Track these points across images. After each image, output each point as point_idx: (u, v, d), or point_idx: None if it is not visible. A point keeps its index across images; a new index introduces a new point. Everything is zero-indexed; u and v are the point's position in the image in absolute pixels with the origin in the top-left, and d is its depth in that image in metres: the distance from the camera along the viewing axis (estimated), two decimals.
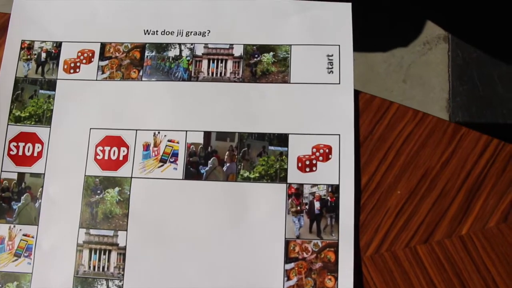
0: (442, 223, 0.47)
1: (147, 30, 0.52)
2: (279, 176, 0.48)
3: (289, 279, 0.47)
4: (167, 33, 0.52)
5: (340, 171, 0.48)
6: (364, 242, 0.47)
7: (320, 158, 0.48)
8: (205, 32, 0.52)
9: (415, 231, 0.47)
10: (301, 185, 0.48)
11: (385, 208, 0.48)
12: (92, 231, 0.49)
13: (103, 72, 0.52)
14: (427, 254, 0.47)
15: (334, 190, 0.47)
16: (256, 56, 0.51)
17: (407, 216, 0.48)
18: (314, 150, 0.48)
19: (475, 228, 0.47)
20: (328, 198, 0.47)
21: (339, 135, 0.48)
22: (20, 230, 0.50)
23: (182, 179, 0.49)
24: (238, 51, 0.52)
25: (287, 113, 0.49)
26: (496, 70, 1.05)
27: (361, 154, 0.49)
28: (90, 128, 0.51)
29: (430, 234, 0.47)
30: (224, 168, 0.49)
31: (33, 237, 0.50)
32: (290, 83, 0.50)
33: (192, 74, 0.51)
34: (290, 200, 0.48)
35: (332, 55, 0.51)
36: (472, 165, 0.48)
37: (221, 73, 0.51)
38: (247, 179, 0.48)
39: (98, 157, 0.50)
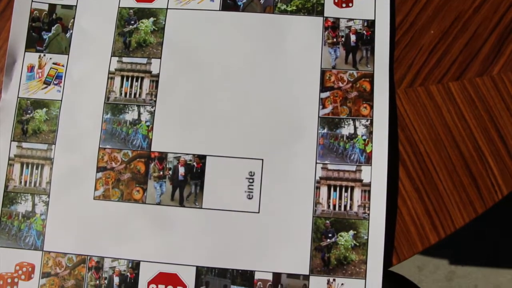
0: (474, 62, 0.46)
1: None
2: (315, 10, 0.47)
3: (324, 107, 0.45)
4: None
5: (375, 7, 0.47)
6: (398, 76, 0.46)
7: None
8: None
9: (448, 69, 0.46)
10: (337, 19, 0.46)
11: (419, 46, 0.47)
12: (124, 59, 0.47)
13: None
14: (459, 91, 0.46)
15: (370, 24, 0.46)
16: None
17: (440, 54, 0.47)
18: None
19: (505, 69, 0.46)
20: (364, 32, 0.46)
21: None
22: (51, 59, 0.47)
23: (219, 10, 0.47)
24: None
25: None
26: None
27: None
28: None
29: (462, 72, 0.46)
30: (261, 1, 0.47)
31: (63, 65, 0.47)
32: None
33: None
34: (326, 33, 0.46)
35: None
36: (504, 11, 0.47)
37: None
38: (284, 12, 0.47)
39: None
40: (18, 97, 0.46)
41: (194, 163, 0.44)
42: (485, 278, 0.90)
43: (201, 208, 0.44)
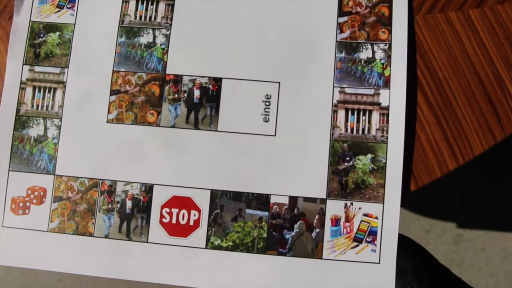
0: None
1: None
2: None
3: (342, 31, 0.44)
4: None
5: None
6: (416, 2, 0.45)
7: None
8: None
9: None
10: None
11: None
12: None
13: None
14: (479, 18, 0.45)
15: None
16: None
17: None
18: None
19: None
20: None
21: None
22: None
23: None
24: None
25: None
26: None
27: None
28: None
29: None
30: None
31: None
32: None
33: None
34: None
35: None
36: None
37: None
38: None
39: None
40: (30, 20, 0.45)
41: (210, 86, 0.43)
42: (492, 241, 0.89)
43: (216, 130, 0.42)
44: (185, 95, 0.43)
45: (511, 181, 0.90)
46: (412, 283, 0.78)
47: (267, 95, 0.43)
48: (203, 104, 0.43)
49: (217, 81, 0.43)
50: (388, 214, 0.41)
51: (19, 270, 0.95)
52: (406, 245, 0.81)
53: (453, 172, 0.43)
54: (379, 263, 0.41)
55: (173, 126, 0.43)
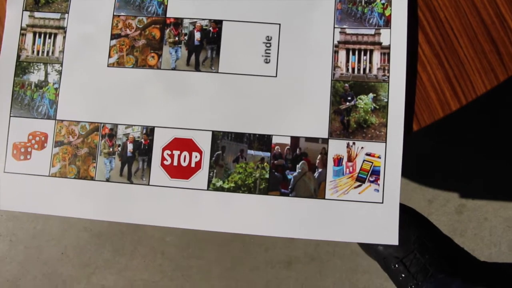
0: None
1: None
2: None
3: None
4: None
5: None
6: None
7: None
8: None
9: None
10: None
11: None
12: None
13: None
14: None
15: None
16: None
17: None
18: None
19: None
20: None
21: None
22: None
23: None
24: None
25: None
26: None
27: None
28: None
29: None
30: None
31: None
32: None
33: None
34: None
35: None
36: None
37: None
38: None
39: None
40: None
41: (210, 28, 0.42)
42: (495, 211, 0.89)
43: (217, 72, 0.42)
44: (186, 37, 0.42)
45: None
46: (415, 252, 0.77)
47: (268, 36, 0.42)
48: (204, 46, 0.42)
49: (218, 23, 0.42)
50: (391, 153, 0.40)
51: (23, 244, 0.94)
52: (408, 215, 0.80)
53: (456, 112, 0.42)
54: (382, 202, 0.40)
55: (174, 69, 0.42)
